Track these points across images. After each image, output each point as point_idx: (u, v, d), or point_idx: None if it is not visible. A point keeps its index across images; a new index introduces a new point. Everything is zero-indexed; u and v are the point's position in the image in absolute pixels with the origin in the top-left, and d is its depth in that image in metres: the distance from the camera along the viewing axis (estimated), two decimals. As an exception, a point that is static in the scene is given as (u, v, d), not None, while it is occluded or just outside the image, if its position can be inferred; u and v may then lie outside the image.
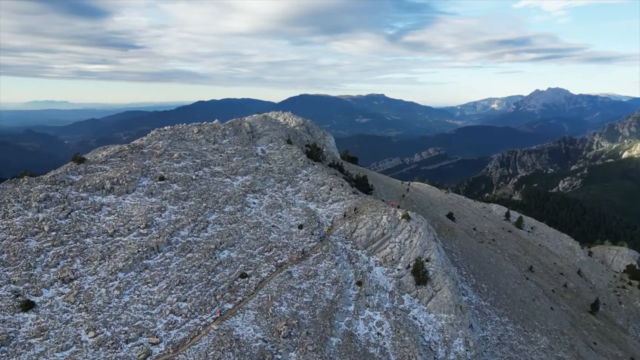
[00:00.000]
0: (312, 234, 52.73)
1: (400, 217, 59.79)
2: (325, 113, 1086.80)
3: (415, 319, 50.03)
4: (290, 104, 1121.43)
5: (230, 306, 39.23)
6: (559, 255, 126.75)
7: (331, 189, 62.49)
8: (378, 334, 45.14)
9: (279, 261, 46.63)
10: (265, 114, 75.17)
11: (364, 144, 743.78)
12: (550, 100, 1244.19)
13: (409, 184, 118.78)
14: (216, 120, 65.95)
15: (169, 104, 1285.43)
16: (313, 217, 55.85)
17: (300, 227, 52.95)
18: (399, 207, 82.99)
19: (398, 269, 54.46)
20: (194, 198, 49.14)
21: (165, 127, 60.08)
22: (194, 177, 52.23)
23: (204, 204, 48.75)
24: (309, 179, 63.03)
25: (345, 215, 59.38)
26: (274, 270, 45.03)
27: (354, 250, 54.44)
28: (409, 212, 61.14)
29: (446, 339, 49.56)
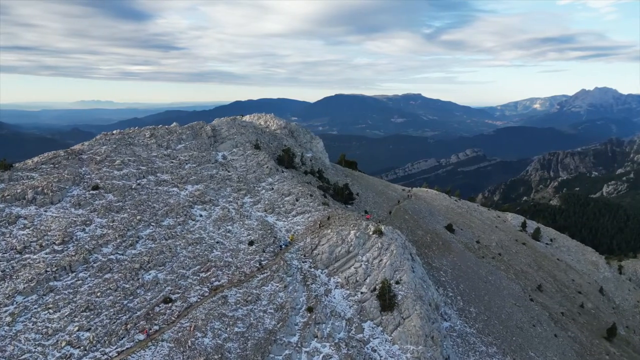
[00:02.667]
0: (264, 252, 48.60)
1: (371, 233, 55.06)
2: (360, 113, 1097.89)
3: (375, 351, 45.17)
4: (325, 104, 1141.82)
5: (142, 337, 35.46)
6: (580, 271, 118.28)
7: (297, 200, 58.17)
8: (323, 370, 40.61)
9: (216, 283, 42.70)
10: (236, 116, 71.48)
11: (398, 144, 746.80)
12: (597, 101, 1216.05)
13: (410, 191, 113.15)
14: (174, 124, 62.63)
15: (208, 104, 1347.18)
16: (269, 231, 51.71)
17: (251, 243, 48.90)
18: (390, 212, 78.08)
19: (362, 292, 49.74)
20: (128, 210, 45.75)
21: (114, 131, 57.16)
22: (134, 186, 48.92)
23: (139, 217, 45.28)
24: (273, 188, 58.88)
25: (320, 226, 55.02)
26: (206, 294, 41.10)
27: (312, 270, 50.03)
28: (382, 227, 56.28)
29: (409, 375, 44.58)
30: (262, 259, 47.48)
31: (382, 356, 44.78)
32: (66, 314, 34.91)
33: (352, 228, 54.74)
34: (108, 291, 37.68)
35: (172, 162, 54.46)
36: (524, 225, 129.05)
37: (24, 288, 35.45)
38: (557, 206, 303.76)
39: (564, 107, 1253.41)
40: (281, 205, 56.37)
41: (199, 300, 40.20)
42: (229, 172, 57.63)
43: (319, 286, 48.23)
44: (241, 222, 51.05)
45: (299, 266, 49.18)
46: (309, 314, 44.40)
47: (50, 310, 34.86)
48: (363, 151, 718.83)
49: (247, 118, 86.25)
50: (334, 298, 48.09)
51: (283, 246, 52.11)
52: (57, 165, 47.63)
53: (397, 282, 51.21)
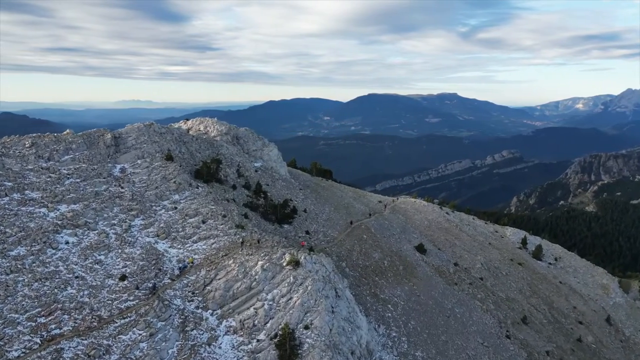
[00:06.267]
0: (138, 288, 41.53)
1: (284, 264, 47.58)
2: (394, 113, 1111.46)
3: (259, 418, 37.69)
4: (358, 104, 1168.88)
5: None
6: (586, 295, 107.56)
7: (204, 222, 51.06)
8: None
9: (55, 331, 35.86)
10: (153, 123, 64.84)
11: (432, 145, 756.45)
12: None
13: (393, 201, 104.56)
14: (67, 131, 56.36)
15: (242, 104, 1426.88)
16: (154, 262, 44.71)
17: (123, 278, 41.98)
18: (351, 222, 68.32)
19: (258, 340, 42.20)
20: (-32, 237, 39.36)
21: (-12, 140, 51.23)
22: (-12, 206, 42.58)
23: (-22, 246, 38.82)
24: (176, 208, 51.87)
25: (224, 255, 47.82)
26: (35, 346, 34.25)
27: (200, 311, 42.79)
28: (302, 256, 48.83)
29: None
30: (130, 297, 40.42)
31: None
32: None
33: (262, 258, 47.37)
34: None
35: (50, 177, 48.08)
36: (524, 241, 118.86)
37: None
38: (593, 212, 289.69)
39: (608, 107, 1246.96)
40: (180, 229, 49.35)
41: (22, 355, 33.40)
42: (122, 188, 50.90)
43: (201, 332, 40.95)
44: (119, 251, 44.21)
45: (182, 307, 42.00)
46: (174, 371, 37.18)
47: None
48: (395, 151, 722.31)
49: (189, 123, 79.97)
50: (219, 348, 40.73)
51: (184, 267, 45.79)
52: None
53: (305, 327, 43.58)
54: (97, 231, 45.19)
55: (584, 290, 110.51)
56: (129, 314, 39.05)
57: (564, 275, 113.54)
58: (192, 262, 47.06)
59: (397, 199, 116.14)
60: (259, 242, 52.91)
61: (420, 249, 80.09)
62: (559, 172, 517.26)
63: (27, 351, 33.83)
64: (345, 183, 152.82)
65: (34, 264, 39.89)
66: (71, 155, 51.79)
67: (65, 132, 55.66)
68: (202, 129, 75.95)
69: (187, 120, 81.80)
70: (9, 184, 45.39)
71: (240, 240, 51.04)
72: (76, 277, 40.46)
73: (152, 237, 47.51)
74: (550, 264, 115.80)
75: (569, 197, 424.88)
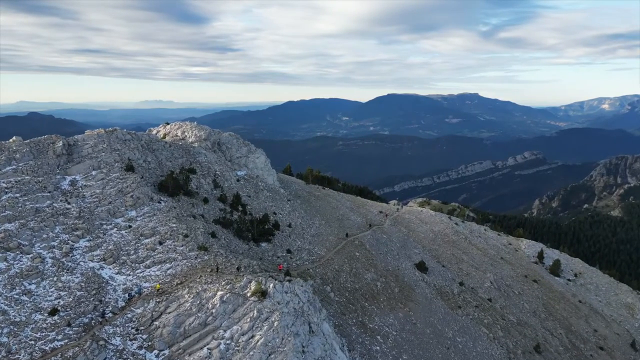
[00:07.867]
0: (69, 325, 36.02)
1: (248, 294, 41.63)
2: (413, 113, 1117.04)
3: None
4: (377, 104, 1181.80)
5: None
6: (608, 316, 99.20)
7: (161, 243, 45.46)
8: None
9: (-43, 382, 30.46)
10: (117, 128, 59.52)
11: (452, 146, 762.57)
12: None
13: (397, 210, 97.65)
14: (13, 138, 51.23)
15: (261, 104, 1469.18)
16: (95, 292, 39.21)
17: (54, 312, 36.55)
18: (347, 234, 60.73)
19: (209, 388, 36.34)
20: None
21: None
22: None
23: None
24: (130, 227, 46.38)
25: (178, 283, 42.04)
26: None
27: (143, 352, 37.07)
28: (271, 285, 42.89)
29: None
30: (60, 336, 34.88)
31: None
32: None
33: (223, 287, 41.51)
34: None
35: (-15, 191, 42.94)
36: (540, 255, 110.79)
37: None
38: (619, 217, 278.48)
39: (635, 107, 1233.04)
40: (132, 252, 43.80)
41: None
42: (68, 204, 45.59)
43: (141, 379, 35.16)
44: (55, 279, 38.83)
45: (121, 347, 36.36)
46: None
47: None
48: (414, 152, 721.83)
49: (168, 128, 74.69)
50: (162, 398, 34.94)
51: (135, 294, 40.25)
52: None
53: (268, 372, 37.56)
54: (31, 255, 39.88)
55: (606, 310, 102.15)
56: (53, 358, 33.52)
57: (585, 293, 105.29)
58: (159, 289, 41.32)
59: (402, 207, 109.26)
60: (238, 269, 47.15)
61: (421, 267, 73.34)
62: (583, 175, 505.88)
63: None
64: (355, 187, 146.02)
65: (-53, 297, 34.69)
66: (14, 166, 46.71)
67: (11, 140, 50.70)
68: (179, 134, 70.68)
69: (167, 124, 76.74)
70: None
71: (216, 266, 45.09)
72: (-4, 312, 35.13)
73: (97, 262, 42.02)
74: (569, 280, 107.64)
75: (593, 200, 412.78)
